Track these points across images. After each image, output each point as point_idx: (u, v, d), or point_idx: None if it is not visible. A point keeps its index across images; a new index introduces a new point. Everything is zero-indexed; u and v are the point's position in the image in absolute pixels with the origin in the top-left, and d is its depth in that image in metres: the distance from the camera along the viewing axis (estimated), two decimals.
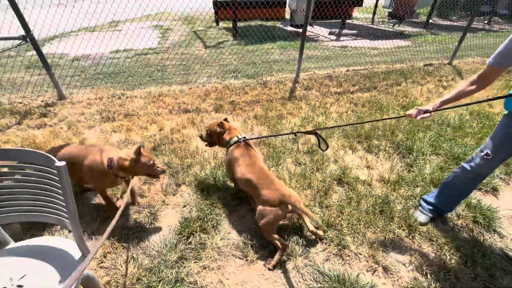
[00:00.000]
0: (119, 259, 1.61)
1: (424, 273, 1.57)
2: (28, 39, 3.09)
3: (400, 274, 1.58)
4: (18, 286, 0.99)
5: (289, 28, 9.17)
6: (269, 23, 9.83)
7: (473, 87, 1.41)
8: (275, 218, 1.53)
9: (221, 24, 10.03)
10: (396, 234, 1.80)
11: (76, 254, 1.14)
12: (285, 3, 9.77)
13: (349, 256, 1.67)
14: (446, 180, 1.84)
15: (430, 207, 1.91)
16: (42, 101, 3.57)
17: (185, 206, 2.02)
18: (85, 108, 3.44)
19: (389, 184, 2.24)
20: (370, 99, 3.78)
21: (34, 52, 3.27)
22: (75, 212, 1.05)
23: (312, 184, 2.21)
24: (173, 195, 2.13)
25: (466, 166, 1.65)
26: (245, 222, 1.89)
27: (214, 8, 9.76)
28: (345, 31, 8.57)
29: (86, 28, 8.69)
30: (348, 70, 4.96)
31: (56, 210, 1.09)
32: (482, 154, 1.55)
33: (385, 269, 1.60)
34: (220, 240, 1.76)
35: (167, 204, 2.04)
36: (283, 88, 4.14)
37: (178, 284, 1.47)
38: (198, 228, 1.79)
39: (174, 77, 4.59)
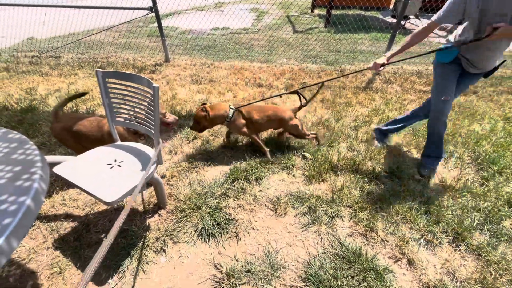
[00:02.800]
0: (180, 182, 2.06)
1: (455, 280, 1.46)
2: (153, 10, 3.91)
3: (426, 272, 1.51)
4: (118, 165, 1.48)
5: (390, 20, 8.33)
6: (368, 13, 9.14)
7: (417, 39, 1.83)
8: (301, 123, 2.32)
9: (316, 11, 9.90)
10: (436, 237, 1.69)
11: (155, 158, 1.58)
12: None
13: (374, 239, 1.68)
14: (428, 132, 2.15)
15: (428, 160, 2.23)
16: (154, 61, 4.49)
17: (238, 159, 2.35)
18: (182, 70, 4.16)
19: (449, 189, 2.03)
20: (463, 104, 3.27)
21: (155, 24, 4.11)
22: (158, 128, 1.46)
23: (359, 169, 2.20)
24: (231, 148, 2.49)
25: (435, 114, 2.00)
26: (283, 185, 2.09)
27: None
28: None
29: (197, 7, 10.01)
30: None
31: (146, 122, 1.53)
32: (442, 99, 1.92)
33: (410, 262, 1.56)
34: (258, 191, 2.01)
35: (225, 154, 2.41)
36: (360, 78, 3.98)
37: (217, 211, 1.81)
38: (243, 177, 2.09)
39: (257, 55, 4.97)
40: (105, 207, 1.84)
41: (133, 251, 1.56)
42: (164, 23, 7.86)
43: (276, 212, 1.85)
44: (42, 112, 2.97)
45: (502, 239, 1.66)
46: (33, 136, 2.57)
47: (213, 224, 1.72)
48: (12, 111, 2.98)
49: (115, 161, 1.52)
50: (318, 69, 4.29)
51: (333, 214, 1.82)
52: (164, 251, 1.59)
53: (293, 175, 2.19)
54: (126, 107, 1.63)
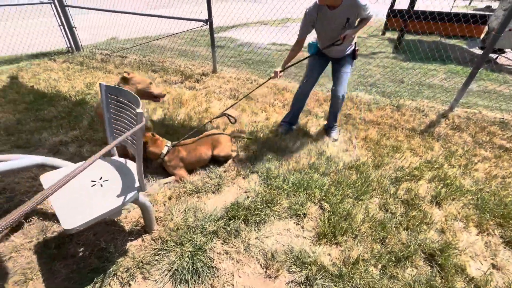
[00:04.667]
0: (177, 206, 1.92)
1: None
2: (208, 22, 4.01)
3: None
4: (101, 184, 1.39)
5: (476, 51, 7.11)
6: (450, 41, 8.00)
7: (296, 52, 2.53)
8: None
9: (388, 34, 9.11)
10: None
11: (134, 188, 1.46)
12: (485, 20, 7.59)
13: None
14: (294, 104, 2.90)
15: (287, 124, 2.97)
16: (202, 70, 4.60)
17: (246, 192, 2.11)
18: (224, 83, 4.15)
19: None
20: None
21: (218, 34, 4.21)
22: (140, 153, 1.32)
23: (387, 240, 1.74)
24: (243, 178, 2.26)
25: (299, 90, 2.86)
26: (286, 236, 1.76)
27: (387, 16, 8.96)
28: None
29: (263, 21, 10.22)
30: None
31: (132, 143, 1.42)
32: (302, 80, 2.80)
33: None
34: (255, 238, 1.73)
35: (234, 183, 2.20)
36: (420, 118, 3.34)
37: (200, 252, 1.59)
38: (242, 216, 1.84)
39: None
40: None
41: (99, 277, 1.44)
42: (226, 34, 8.21)
43: (266, 272, 1.55)
44: (89, 106, 3.24)
45: None
46: (72, 128, 2.78)
47: (189, 269, 1.50)
48: (67, 102, 3.33)
49: (101, 178, 1.44)
50: (370, 100, 3.78)
51: None
52: (130, 286, 1.44)
53: (302, 227, 1.84)
54: (122, 124, 1.55)
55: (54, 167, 1.54)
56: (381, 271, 1.57)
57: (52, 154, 2.41)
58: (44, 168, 1.57)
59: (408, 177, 2.32)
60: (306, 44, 2.60)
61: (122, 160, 1.62)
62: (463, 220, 1.95)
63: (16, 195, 1.94)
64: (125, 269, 1.50)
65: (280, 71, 2.57)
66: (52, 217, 1.78)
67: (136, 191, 1.38)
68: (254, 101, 3.61)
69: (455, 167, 2.50)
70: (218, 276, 1.51)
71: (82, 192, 1.33)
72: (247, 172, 2.31)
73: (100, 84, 1.47)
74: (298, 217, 1.90)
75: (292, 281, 1.50)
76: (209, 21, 4.00)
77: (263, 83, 2.91)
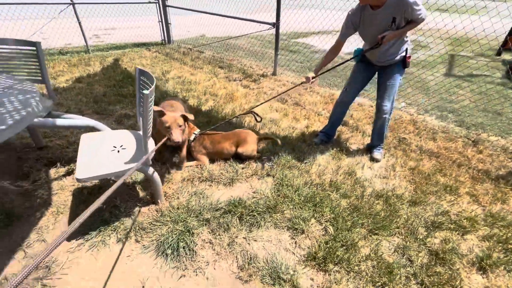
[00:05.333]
0: (186, 188, 2.08)
1: None
2: (275, 25, 4.11)
3: None
4: (118, 150, 1.65)
5: None
6: None
7: (334, 55, 2.37)
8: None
9: (505, 55, 7.40)
10: None
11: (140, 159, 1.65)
12: None
13: None
14: (333, 114, 2.73)
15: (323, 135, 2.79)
16: (263, 72, 4.75)
17: (254, 192, 2.11)
18: (278, 86, 4.18)
19: None
20: None
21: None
22: (146, 132, 1.49)
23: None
24: (258, 179, 2.26)
25: (338, 99, 2.66)
26: (274, 247, 1.69)
27: (509, 33, 7.26)
28: None
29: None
30: None
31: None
32: (343, 89, 2.61)
33: None
34: (242, 238, 1.73)
35: (247, 182, 2.22)
36: (504, 161, 2.63)
37: (187, 234, 1.69)
38: (238, 214, 1.85)
39: (372, 90, 4.25)
40: None
41: (104, 228, 1.71)
42: (304, 40, 8.18)
43: (239, 273, 1.53)
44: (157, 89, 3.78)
45: None
46: (115, 103, 3.30)
47: (172, 246, 1.62)
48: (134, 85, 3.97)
49: (121, 146, 1.70)
50: (440, 128, 3.17)
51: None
52: (124, 243, 1.65)
53: (295, 242, 1.73)
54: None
55: (98, 130, 1.89)
56: None
57: (116, 123, 2.93)
58: (92, 129, 1.95)
59: (452, 226, 1.88)
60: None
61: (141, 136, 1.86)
62: None
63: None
64: (125, 228, 1.72)
65: (313, 77, 2.39)
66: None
67: (139, 164, 1.57)
68: (301, 108, 3.52)
69: None
70: (194, 260, 1.57)
71: (103, 153, 1.60)
72: (264, 174, 2.29)
73: (136, 68, 1.73)
74: (296, 231, 1.79)
75: None
76: (276, 24, 4.09)
77: (291, 88, 2.79)
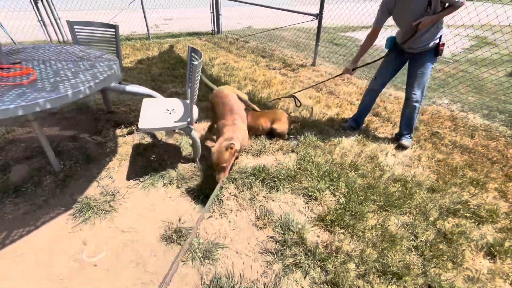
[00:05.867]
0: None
1: None
2: (318, 17, 4.22)
3: None
4: (170, 113, 2.05)
5: None
6: None
7: (371, 42, 2.45)
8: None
9: None
10: None
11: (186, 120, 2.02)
12: None
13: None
14: (362, 102, 2.82)
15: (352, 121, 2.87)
16: (302, 62, 4.90)
17: (278, 164, 2.36)
18: (316, 76, 4.31)
19: None
20: None
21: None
22: (193, 96, 1.84)
23: (385, 253, 1.61)
24: (283, 154, 2.51)
25: (368, 87, 2.74)
26: (289, 207, 1.94)
27: None
28: None
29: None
30: None
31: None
32: (373, 77, 2.67)
33: None
34: (262, 196, 2.01)
35: (273, 155, 2.49)
36: None
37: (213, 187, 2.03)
38: (261, 178, 2.13)
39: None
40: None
41: (153, 175, 2.14)
42: (351, 34, 7.99)
43: (256, 221, 1.82)
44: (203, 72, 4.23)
45: None
46: (168, 82, 3.77)
47: (204, 192, 1.97)
48: (186, 68, 4.45)
49: (172, 110, 2.10)
50: (482, 126, 3.02)
51: (299, 264, 1.54)
52: (167, 187, 2.06)
53: (309, 207, 1.96)
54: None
55: (153, 97, 2.33)
56: (358, 273, 1.52)
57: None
58: (150, 97, 2.40)
59: (468, 215, 1.91)
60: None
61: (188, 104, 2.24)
62: None
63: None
64: (169, 177, 2.13)
65: (352, 69, 2.52)
66: (149, 134, 2.67)
67: (185, 123, 1.95)
68: (334, 96, 3.63)
69: None
70: (220, 207, 1.91)
71: (158, 113, 2.02)
72: (289, 149, 2.53)
73: (189, 46, 2.10)
74: (310, 198, 2.01)
75: (271, 237, 1.71)
76: (319, 15, 4.20)
77: (331, 78, 2.93)
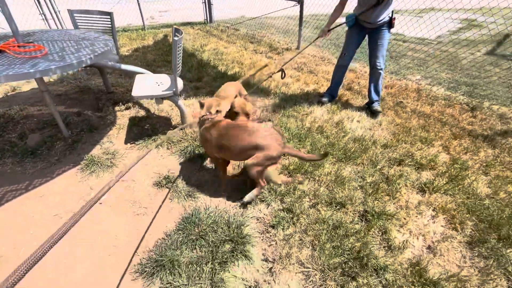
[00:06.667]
0: None
1: None
2: (300, 2, 4.51)
3: None
4: (158, 85, 2.41)
5: None
6: None
7: (339, 13, 2.79)
8: None
9: None
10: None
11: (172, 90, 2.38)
12: None
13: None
14: (334, 77, 3.16)
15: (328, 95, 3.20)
16: (287, 46, 5.20)
17: None
18: (299, 58, 4.62)
19: None
20: None
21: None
22: (177, 69, 2.19)
23: (334, 192, 1.98)
24: (259, 122, 2.86)
25: (338, 64, 3.09)
26: None
27: None
28: None
29: (396, 11, 9.33)
30: None
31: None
32: (341, 54, 3.01)
33: None
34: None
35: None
36: (495, 124, 2.78)
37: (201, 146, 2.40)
38: None
39: (391, 66, 4.42)
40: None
41: (147, 138, 2.51)
42: (339, 20, 8.21)
43: (232, 171, 2.19)
44: (186, 60, 4.56)
45: None
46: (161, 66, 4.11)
47: (191, 152, 2.35)
48: (184, 53, 4.78)
49: (161, 82, 2.46)
50: (442, 95, 3.34)
51: (264, 199, 1.92)
52: (159, 149, 2.44)
53: None
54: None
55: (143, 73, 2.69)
56: (310, 204, 1.90)
57: None
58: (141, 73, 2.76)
59: (411, 163, 2.27)
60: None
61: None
62: (436, 209, 1.87)
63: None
64: (161, 140, 2.51)
65: (328, 30, 2.83)
66: (144, 109, 3.03)
67: (171, 92, 2.31)
68: (313, 75, 3.96)
69: (487, 174, 2.17)
70: (203, 162, 2.29)
71: (149, 85, 2.38)
72: (266, 119, 2.89)
73: (173, 27, 2.43)
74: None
75: (244, 181, 2.09)
76: (300, 1, 4.49)
77: (312, 42, 3.22)
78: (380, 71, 2.78)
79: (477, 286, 1.43)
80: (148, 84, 2.43)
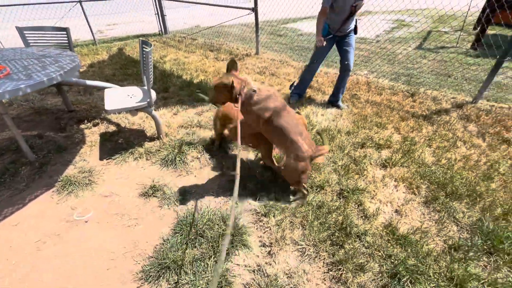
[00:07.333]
0: (183, 130, 2.83)
1: None
2: (254, 10, 4.78)
3: None
4: (131, 97, 2.40)
5: None
6: None
7: (324, 17, 2.83)
8: None
9: (490, 30, 7.86)
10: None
11: (146, 100, 2.40)
12: None
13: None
14: (305, 80, 3.43)
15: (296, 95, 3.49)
16: (247, 52, 5.44)
17: None
18: (259, 63, 4.88)
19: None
20: None
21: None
22: (149, 82, 2.23)
23: (312, 177, 2.20)
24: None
25: (308, 69, 3.33)
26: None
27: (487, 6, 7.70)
28: None
29: None
30: None
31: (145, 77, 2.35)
32: (313, 61, 3.25)
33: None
34: (221, 156, 2.48)
35: None
36: (431, 105, 3.32)
37: (181, 153, 2.45)
38: (216, 145, 2.60)
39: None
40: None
41: (124, 152, 2.48)
42: (293, 25, 8.79)
43: (220, 173, 2.29)
44: (156, 69, 4.52)
45: None
46: (122, 80, 4.05)
47: (172, 160, 2.38)
48: (138, 67, 4.70)
49: (133, 94, 2.45)
50: (387, 86, 3.87)
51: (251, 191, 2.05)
52: (138, 160, 2.42)
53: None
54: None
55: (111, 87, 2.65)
56: (294, 189, 2.09)
57: None
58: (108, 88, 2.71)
59: (372, 145, 2.61)
60: None
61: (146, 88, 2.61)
62: (398, 180, 2.20)
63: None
64: (139, 153, 2.49)
65: (324, 39, 2.93)
66: (112, 122, 2.96)
67: (146, 103, 2.33)
68: (276, 77, 4.23)
69: (431, 147, 2.60)
70: (186, 168, 2.34)
71: (122, 98, 2.36)
72: None
73: (139, 39, 2.47)
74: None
75: (229, 180, 2.20)
76: (255, 9, 4.76)
77: (317, 46, 3.14)
78: (350, 72, 3.13)
79: (435, 233, 1.75)
80: (120, 97, 2.41)
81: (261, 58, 5.12)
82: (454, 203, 1.96)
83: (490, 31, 7.38)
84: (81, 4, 5.79)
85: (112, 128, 2.88)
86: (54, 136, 2.74)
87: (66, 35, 2.76)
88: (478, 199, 1.98)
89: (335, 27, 2.90)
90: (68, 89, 3.74)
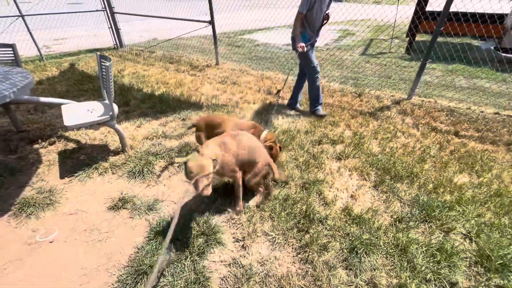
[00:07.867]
0: (148, 142, 2.83)
1: None
2: (210, 23, 4.96)
3: None
4: (91, 112, 2.37)
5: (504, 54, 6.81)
6: (459, 40, 7.73)
7: (301, 23, 3.08)
8: None
9: (418, 37, 9.04)
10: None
11: (109, 114, 2.40)
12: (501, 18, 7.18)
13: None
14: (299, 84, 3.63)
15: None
16: (208, 63, 5.58)
17: None
18: (220, 72, 5.04)
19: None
20: (473, 153, 2.73)
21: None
22: (110, 95, 2.25)
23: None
24: None
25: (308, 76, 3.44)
26: None
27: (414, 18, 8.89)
28: None
29: (289, 25, 10.91)
30: (498, 114, 3.49)
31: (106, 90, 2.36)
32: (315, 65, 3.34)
33: None
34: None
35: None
36: (374, 103, 3.78)
37: (148, 164, 2.46)
38: (185, 153, 2.67)
39: (296, 70, 5.29)
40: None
41: (87, 168, 2.41)
42: (250, 36, 9.16)
43: (186, 181, 2.35)
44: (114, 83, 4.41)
45: None
46: (99, 96, 3.93)
47: (139, 172, 2.39)
48: (94, 82, 4.56)
49: (93, 109, 2.42)
50: (338, 88, 4.30)
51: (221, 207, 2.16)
52: (104, 175, 2.38)
53: None
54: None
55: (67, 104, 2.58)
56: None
57: None
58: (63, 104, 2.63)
59: (328, 141, 2.90)
60: None
61: (108, 103, 2.59)
62: (351, 169, 2.49)
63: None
64: (104, 167, 2.44)
65: (306, 45, 3.06)
66: (70, 139, 2.84)
67: (108, 117, 2.32)
68: (237, 85, 4.42)
69: (377, 139, 2.98)
70: (154, 178, 2.36)
71: (82, 113, 2.32)
72: None
73: (96, 54, 2.46)
74: None
75: None
76: (211, 22, 4.95)
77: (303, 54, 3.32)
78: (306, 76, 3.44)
79: (383, 211, 2.04)
80: (80, 113, 2.36)
81: (222, 68, 5.29)
82: (397, 184, 2.29)
83: (419, 38, 8.58)
84: (23, 19, 5.40)
85: (71, 145, 2.77)
86: (4, 159, 2.55)
87: (12, 52, 2.62)
88: (415, 179, 2.34)
89: (313, 34, 3.15)
90: (15, 108, 3.48)
